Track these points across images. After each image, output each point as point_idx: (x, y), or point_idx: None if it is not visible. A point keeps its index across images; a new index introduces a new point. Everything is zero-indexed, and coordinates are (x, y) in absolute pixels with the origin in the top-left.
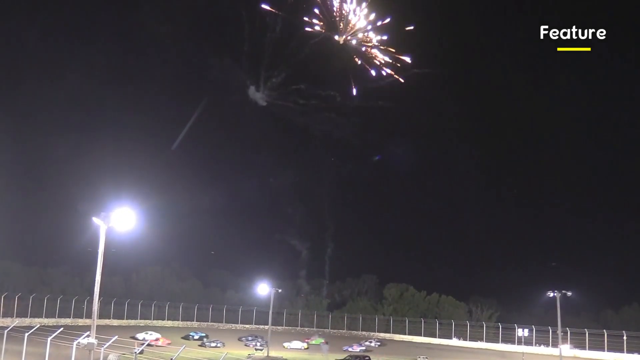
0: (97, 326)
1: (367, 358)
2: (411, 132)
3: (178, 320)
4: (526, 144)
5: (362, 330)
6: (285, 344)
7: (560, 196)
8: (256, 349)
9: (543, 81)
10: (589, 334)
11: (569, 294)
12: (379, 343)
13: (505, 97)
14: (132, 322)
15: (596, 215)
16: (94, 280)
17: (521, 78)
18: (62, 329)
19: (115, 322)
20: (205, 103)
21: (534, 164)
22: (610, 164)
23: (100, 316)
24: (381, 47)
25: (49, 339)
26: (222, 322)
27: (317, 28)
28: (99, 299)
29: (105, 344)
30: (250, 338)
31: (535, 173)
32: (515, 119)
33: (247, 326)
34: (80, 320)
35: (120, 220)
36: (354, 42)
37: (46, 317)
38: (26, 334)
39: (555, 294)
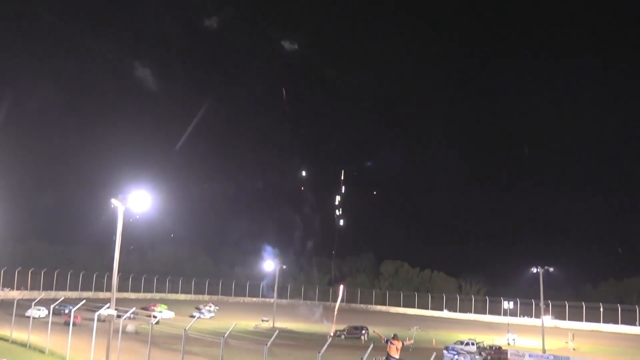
0: (116, 299)
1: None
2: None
3: (190, 294)
4: (512, 120)
5: (360, 303)
6: None
7: (544, 176)
8: (262, 320)
9: None
10: (568, 306)
11: (551, 269)
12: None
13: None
14: (149, 295)
15: (578, 197)
16: (113, 257)
17: None
18: (84, 301)
19: (133, 295)
20: (219, 87)
21: (518, 142)
22: (593, 144)
23: (119, 290)
24: None
25: (73, 309)
26: (232, 296)
27: None
28: (117, 274)
29: (124, 315)
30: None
31: (519, 152)
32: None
33: (254, 299)
34: (101, 293)
35: (136, 202)
36: None
37: (70, 290)
38: (52, 306)
39: (539, 270)
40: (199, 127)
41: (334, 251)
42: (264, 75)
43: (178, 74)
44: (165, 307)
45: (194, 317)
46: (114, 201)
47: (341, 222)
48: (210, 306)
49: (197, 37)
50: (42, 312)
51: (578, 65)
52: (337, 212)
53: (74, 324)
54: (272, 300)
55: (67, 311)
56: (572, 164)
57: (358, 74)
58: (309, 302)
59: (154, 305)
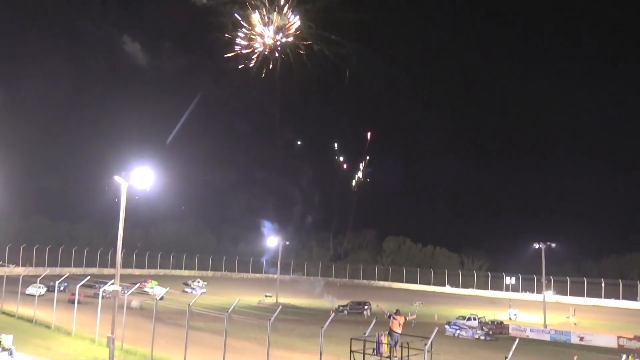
0: (121, 275)
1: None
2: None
3: (194, 270)
4: (514, 94)
5: (363, 279)
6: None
7: (546, 151)
8: (266, 296)
9: None
10: (570, 281)
11: (553, 245)
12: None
13: None
14: (152, 271)
15: (580, 174)
16: (117, 233)
17: None
18: (89, 277)
19: (137, 272)
20: (217, 64)
21: (521, 118)
22: (595, 118)
23: (123, 266)
24: None
25: (78, 285)
26: (235, 272)
27: None
28: (121, 250)
29: (128, 291)
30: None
31: (521, 128)
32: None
33: (257, 275)
34: (105, 269)
35: (139, 179)
36: None
37: (74, 266)
38: (57, 282)
39: (541, 246)
40: (200, 105)
41: (344, 228)
42: (261, 52)
43: (176, 52)
44: (156, 282)
45: (186, 292)
46: (117, 178)
47: (344, 198)
48: (198, 281)
49: (191, 13)
50: (42, 289)
51: (577, 40)
52: (340, 189)
53: (78, 302)
54: (275, 276)
55: (62, 288)
56: (574, 139)
57: (349, 43)
58: (311, 278)
59: (145, 282)
